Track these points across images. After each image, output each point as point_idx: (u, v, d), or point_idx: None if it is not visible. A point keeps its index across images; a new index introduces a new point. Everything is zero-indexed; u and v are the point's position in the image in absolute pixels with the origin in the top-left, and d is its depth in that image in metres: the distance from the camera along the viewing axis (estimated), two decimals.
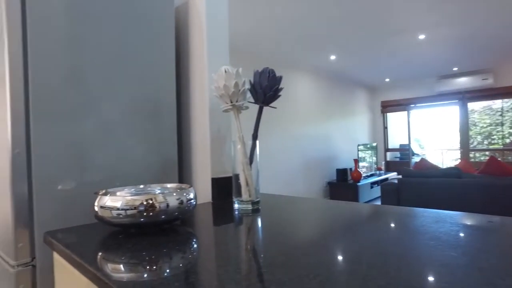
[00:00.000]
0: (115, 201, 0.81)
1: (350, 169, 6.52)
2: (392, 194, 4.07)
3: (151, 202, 0.81)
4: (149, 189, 1.02)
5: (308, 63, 5.87)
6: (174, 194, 0.85)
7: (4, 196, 0.98)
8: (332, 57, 5.53)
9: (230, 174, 1.32)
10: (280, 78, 1.11)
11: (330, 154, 6.86)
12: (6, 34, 0.96)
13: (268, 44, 4.66)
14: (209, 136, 1.26)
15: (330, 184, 6.47)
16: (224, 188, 1.27)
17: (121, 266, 0.62)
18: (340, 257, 0.61)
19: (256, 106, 1.13)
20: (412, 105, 8.06)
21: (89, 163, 1.09)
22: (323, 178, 6.54)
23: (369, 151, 7.33)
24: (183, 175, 1.41)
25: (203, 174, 1.30)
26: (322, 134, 6.61)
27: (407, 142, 8.22)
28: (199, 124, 1.32)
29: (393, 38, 4.57)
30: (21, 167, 0.97)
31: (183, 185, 0.99)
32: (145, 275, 0.56)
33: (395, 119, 8.77)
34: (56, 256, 0.87)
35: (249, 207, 1.07)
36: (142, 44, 1.23)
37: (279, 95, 1.12)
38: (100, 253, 0.70)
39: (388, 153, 8.68)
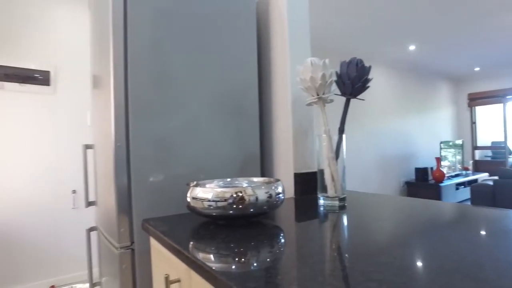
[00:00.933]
0: (206, 192, 0.83)
1: (431, 168, 5.99)
2: (486, 197, 3.63)
3: (240, 195, 0.82)
4: (236, 182, 1.04)
5: (385, 56, 5.53)
6: (263, 187, 0.84)
7: (109, 185, 1.08)
8: (411, 47, 5.12)
9: (312, 169, 1.28)
10: (369, 68, 1.04)
11: (408, 152, 6.38)
12: (112, 48, 1.05)
13: (341, 38, 4.49)
14: (291, 130, 1.24)
15: (408, 184, 6.03)
16: (307, 183, 1.24)
17: (220, 256, 0.63)
18: (431, 264, 0.54)
19: (339, 99, 1.07)
20: (509, 97, 7.10)
21: (176, 157, 1.14)
22: (400, 177, 6.12)
23: (452, 149, 6.65)
24: (265, 169, 1.41)
25: (285, 169, 1.28)
26: (400, 130, 6.18)
27: (501, 139, 7.28)
28: (281, 118, 1.31)
29: (486, 20, 4.06)
30: (122, 160, 1.05)
31: (271, 179, 0.99)
32: (243, 266, 0.56)
33: (485, 113, 7.81)
34: (152, 241, 0.93)
35: (336, 203, 1.02)
36: (225, 42, 1.26)
37: (368, 86, 1.05)
38: (196, 242, 0.72)
39: (477, 151, 7.78)
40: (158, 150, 1.11)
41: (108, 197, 1.13)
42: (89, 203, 1.52)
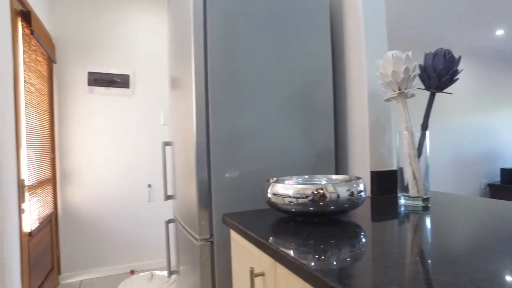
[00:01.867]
0: (287, 189, 0.84)
1: None
2: None
3: (321, 192, 0.81)
4: (315, 179, 1.03)
5: (466, 43, 5.05)
6: (344, 185, 0.83)
7: (190, 180, 1.15)
8: (499, 32, 4.61)
9: (390, 168, 1.23)
10: (459, 59, 0.96)
11: (492, 151, 5.77)
12: (193, 50, 1.11)
13: (415, 28, 4.21)
14: (367, 127, 1.20)
15: (491, 186, 5.45)
16: (384, 182, 1.19)
17: (308, 251, 0.63)
18: None
19: (422, 93, 1.01)
20: None
21: (249, 154, 1.17)
22: (481, 179, 5.56)
23: None
24: (339, 167, 1.39)
25: (360, 166, 1.25)
26: (482, 126, 5.61)
27: None
28: (356, 114, 1.27)
29: None
30: (202, 156, 1.11)
31: (351, 177, 0.97)
32: (334, 263, 0.55)
33: None
34: (233, 235, 0.97)
35: (419, 203, 0.97)
36: (297, 38, 1.25)
37: (456, 79, 0.97)
38: (280, 236, 0.73)
39: None
40: (234, 147, 1.15)
41: (188, 192, 1.20)
42: (168, 197, 1.63)
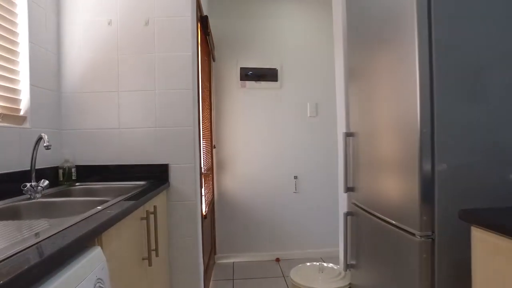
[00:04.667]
0: None
1: None
2: None
3: None
4: None
5: None
6: None
7: (411, 171, 1.07)
8: None
9: None
10: None
11: None
12: (417, 36, 1.02)
13: None
14: None
15: None
16: None
17: None
18: None
19: None
20: None
21: (483, 144, 1.03)
22: None
23: None
24: None
25: None
26: None
27: None
28: None
29: None
30: (426, 146, 1.02)
31: None
32: None
33: None
34: (479, 233, 0.85)
35: None
36: None
37: None
38: None
39: None
40: (460, 136, 1.02)
41: (401, 185, 1.12)
42: (348, 189, 1.59)
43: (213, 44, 2.75)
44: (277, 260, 2.90)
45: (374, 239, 1.35)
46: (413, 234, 1.06)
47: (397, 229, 1.16)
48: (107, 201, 1.22)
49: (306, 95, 2.95)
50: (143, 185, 1.63)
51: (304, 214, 2.96)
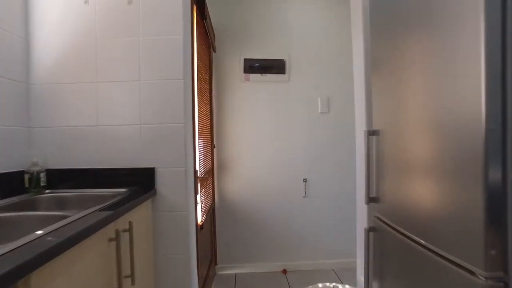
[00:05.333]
0: None
1: None
2: None
3: None
4: None
5: None
6: None
7: (469, 180, 0.77)
8: None
9: None
10: None
11: None
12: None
13: None
14: None
15: None
16: None
17: None
18: None
19: None
20: None
21: None
22: None
23: None
24: None
25: None
26: None
27: None
28: None
29: None
30: (495, 147, 0.72)
31: None
32: None
33: None
34: None
35: None
36: None
37: None
38: None
39: None
40: None
41: (452, 198, 0.83)
42: (370, 199, 1.30)
43: (213, 33, 2.47)
44: (284, 271, 2.62)
45: (405, 265, 1.06)
46: (473, 273, 0.76)
47: (444, 261, 0.86)
48: (67, 216, 0.96)
49: (317, 88, 2.65)
50: (124, 192, 1.37)
51: (314, 221, 2.67)
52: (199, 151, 1.96)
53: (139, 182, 1.47)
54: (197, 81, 1.90)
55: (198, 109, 1.96)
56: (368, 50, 1.57)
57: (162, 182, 1.48)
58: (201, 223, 1.88)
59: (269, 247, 2.66)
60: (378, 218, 1.28)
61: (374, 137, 1.28)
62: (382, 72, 1.23)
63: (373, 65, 1.30)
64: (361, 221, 1.60)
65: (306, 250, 2.67)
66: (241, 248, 2.65)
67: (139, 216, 1.30)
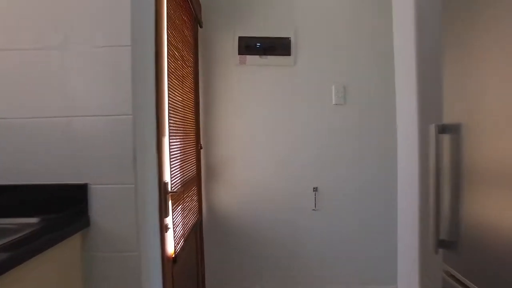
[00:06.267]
0: None
1: None
2: None
3: None
4: None
5: None
6: None
7: None
8: None
9: None
10: None
11: None
12: None
13: None
14: None
15: None
16: None
17: None
18: None
19: None
20: None
21: None
22: None
23: None
24: None
25: None
26: None
27: None
28: None
29: None
30: None
31: None
32: None
33: None
34: None
35: None
36: None
37: None
38: None
39: None
40: None
41: None
42: (440, 243, 0.76)
43: (199, 3, 1.95)
44: None
45: None
46: None
47: None
48: None
49: (331, 74, 2.17)
50: (34, 224, 0.85)
51: (327, 239, 2.18)
52: (173, 155, 1.43)
53: (66, 205, 0.95)
54: (169, 57, 1.38)
55: (173, 97, 1.44)
56: (422, 28, 1.27)
57: (99, 206, 0.95)
58: (173, 255, 1.36)
59: (270, 271, 2.19)
60: (450, 275, 0.74)
61: (443, 137, 0.74)
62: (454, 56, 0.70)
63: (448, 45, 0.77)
64: (407, 269, 1.05)
65: (315, 275, 2.20)
66: (235, 271, 2.18)
67: (53, 266, 0.78)
